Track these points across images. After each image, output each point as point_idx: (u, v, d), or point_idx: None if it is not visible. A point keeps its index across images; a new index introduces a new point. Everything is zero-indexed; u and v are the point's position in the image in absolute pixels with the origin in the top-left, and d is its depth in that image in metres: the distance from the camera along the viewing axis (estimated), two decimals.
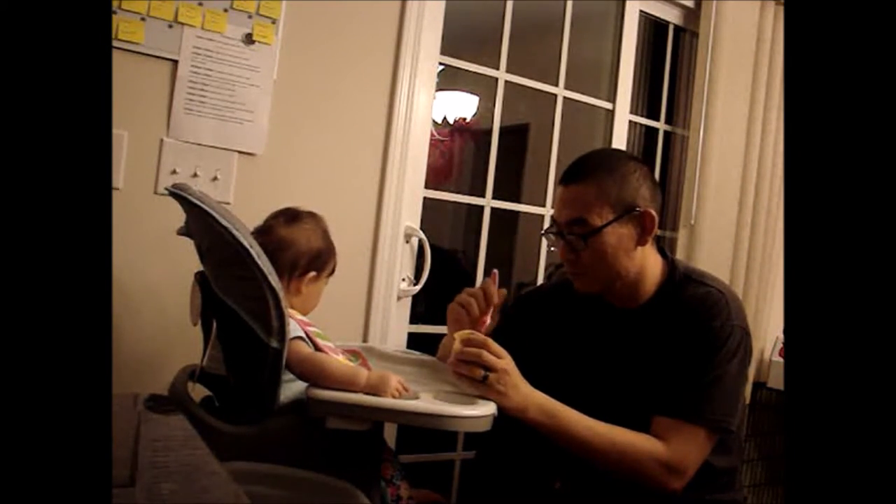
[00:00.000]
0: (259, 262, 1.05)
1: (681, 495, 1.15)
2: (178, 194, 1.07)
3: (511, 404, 1.13)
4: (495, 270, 1.28)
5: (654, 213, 1.21)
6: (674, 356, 1.17)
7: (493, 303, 1.25)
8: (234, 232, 1.05)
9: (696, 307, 1.19)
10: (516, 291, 2.67)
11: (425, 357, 1.44)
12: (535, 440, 1.18)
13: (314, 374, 1.10)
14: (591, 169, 1.22)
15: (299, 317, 1.21)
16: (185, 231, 1.18)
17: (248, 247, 1.05)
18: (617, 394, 1.21)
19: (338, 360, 1.15)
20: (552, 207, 2.14)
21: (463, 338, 1.16)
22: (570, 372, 1.28)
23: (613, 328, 1.27)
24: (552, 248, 1.29)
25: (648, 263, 1.25)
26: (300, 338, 1.14)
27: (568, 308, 1.35)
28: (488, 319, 1.25)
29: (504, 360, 1.13)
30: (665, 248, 1.31)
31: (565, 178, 1.25)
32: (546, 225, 2.17)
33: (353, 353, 1.28)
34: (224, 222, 1.05)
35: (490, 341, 1.15)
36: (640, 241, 1.22)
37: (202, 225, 1.08)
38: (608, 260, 1.20)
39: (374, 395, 1.07)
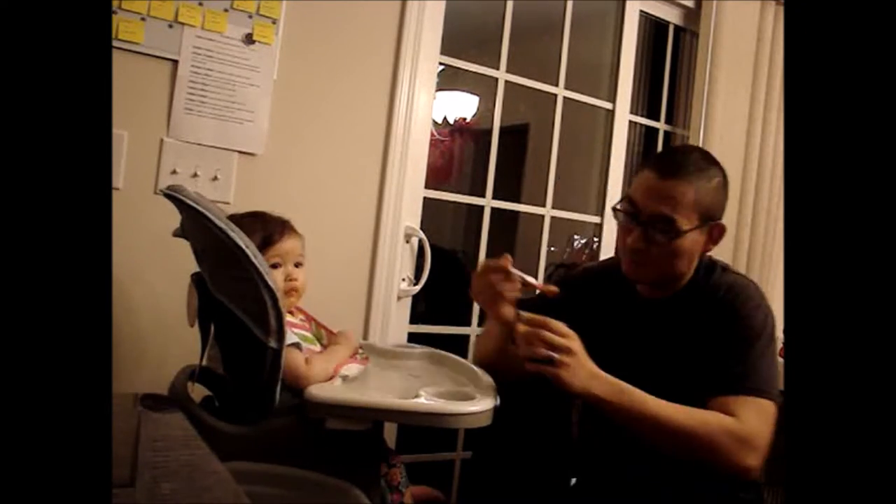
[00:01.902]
0: (256, 262, 1.05)
1: (707, 494, 1.14)
2: (173, 196, 1.06)
3: (577, 383, 1.10)
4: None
5: (724, 225, 1.23)
6: (718, 340, 1.17)
7: (504, 267, 1.23)
8: (231, 233, 1.04)
9: (731, 294, 1.21)
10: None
11: (424, 350, 1.45)
12: (552, 436, 1.17)
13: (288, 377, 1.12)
14: (690, 168, 1.20)
15: (288, 318, 1.20)
16: (180, 232, 1.18)
17: (244, 247, 1.05)
18: (658, 382, 1.20)
19: (291, 357, 1.14)
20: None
21: (525, 319, 1.14)
22: (608, 362, 1.27)
23: (647, 317, 1.28)
24: (618, 224, 1.26)
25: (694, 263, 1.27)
26: (295, 344, 1.14)
27: (597, 295, 1.35)
28: (534, 279, 1.23)
29: (569, 340, 1.12)
30: None
31: (663, 170, 1.20)
32: (547, 225, 2.17)
33: (315, 326, 1.30)
34: (220, 223, 1.05)
35: (550, 321, 1.13)
36: (705, 249, 1.25)
37: (198, 226, 1.08)
38: (676, 261, 1.21)
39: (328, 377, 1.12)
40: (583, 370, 1.11)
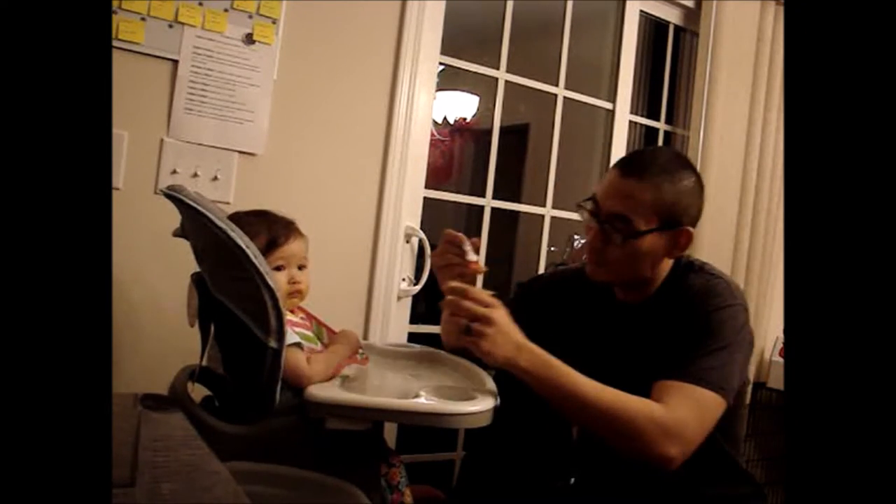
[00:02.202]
0: (256, 262, 1.05)
1: (708, 494, 1.13)
2: (173, 196, 1.06)
3: (499, 353, 1.08)
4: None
5: (692, 232, 1.20)
6: (677, 335, 1.15)
7: (460, 241, 1.21)
8: (231, 233, 1.04)
9: (700, 294, 1.17)
10: (516, 291, 2.67)
11: (424, 350, 1.44)
12: (552, 436, 1.17)
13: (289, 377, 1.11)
14: (655, 169, 1.18)
15: (289, 317, 1.20)
16: (180, 232, 1.18)
17: (244, 247, 1.05)
18: (629, 384, 1.20)
19: (293, 357, 1.13)
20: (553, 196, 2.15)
21: (449, 288, 1.12)
22: (572, 362, 1.27)
23: (619, 321, 1.27)
24: (581, 220, 1.24)
25: (664, 267, 1.24)
26: (296, 344, 1.14)
27: (574, 298, 1.34)
28: (474, 256, 1.20)
29: (490, 309, 1.08)
30: None
31: (625, 169, 1.19)
32: (547, 225, 2.17)
33: (316, 325, 1.30)
34: (220, 223, 1.04)
35: (472, 289, 1.10)
36: (669, 254, 1.21)
37: (198, 226, 1.08)
38: (634, 263, 1.19)
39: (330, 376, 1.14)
40: (506, 340, 1.08)
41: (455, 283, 1.12)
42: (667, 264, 1.24)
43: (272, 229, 1.22)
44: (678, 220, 1.18)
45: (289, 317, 1.19)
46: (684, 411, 1.06)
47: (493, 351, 1.07)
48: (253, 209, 1.28)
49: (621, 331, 1.26)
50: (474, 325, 1.07)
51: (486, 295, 1.10)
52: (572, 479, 1.37)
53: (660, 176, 1.17)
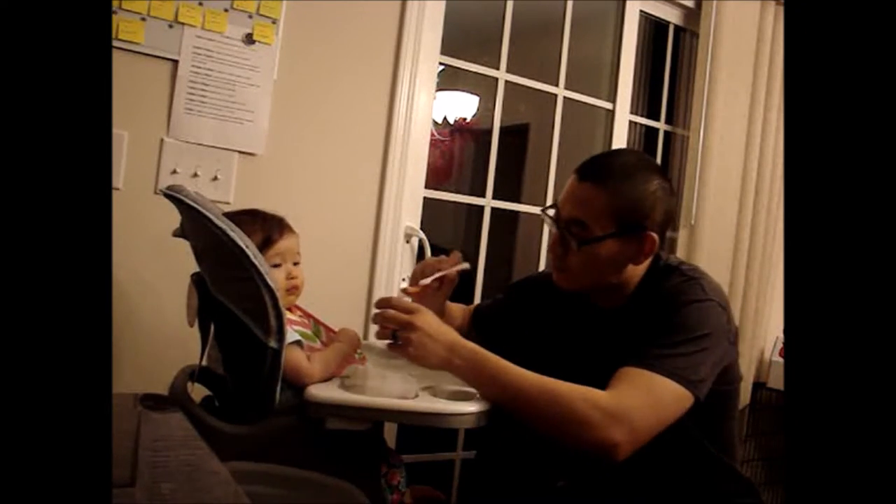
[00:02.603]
0: (256, 263, 1.05)
1: (702, 497, 1.11)
2: (173, 196, 1.06)
3: (430, 356, 1.08)
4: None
5: (655, 236, 1.16)
6: (646, 334, 1.11)
7: (439, 268, 1.26)
8: (231, 233, 1.04)
9: (671, 295, 1.14)
10: (504, 292, 2.67)
11: None
12: (540, 439, 1.16)
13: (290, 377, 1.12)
14: (610, 173, 1.16)
15: (287, 315, 1.20)
16: (180, 232, 1.18)
17: (244, 247, 1.05)
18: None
19: (294, 355, 1.14)
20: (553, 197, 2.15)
21: (376, 302, 1.15)
22: (548, 366, 1.27)
23: (594, 326, 1.25)
24: (546, 226, 1.26)
25: (636, 272, 1.21)
26: (296, 342, 1.14)
27: (554, 301, 1.33)
28: (427, 280, 1.26)
29: (412, 315, 1.08)
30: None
31: (582, 173, 1.18)
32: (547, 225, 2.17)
33: (314, 323, 1.31)
34: (220, 223, 1.04)
35: (394, 299, 1.12)
36: (634, 261, 1.17)
37: (197, 226, 1.08)
38: (594, 270, 1.17)
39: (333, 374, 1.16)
40: (435, 343, 1.08)
41: (382, 297, 1.14)
42: (637, 269, 1.21)
43: (266, 227, 1.23)
44: (640, 224, 1.14)
45: (287, 315, 1.19)
46: (633, 398, 1.02)
47: (424, 355, 1.08)
48: (242, 208, 1.28)
49: (595, 335, 1.24)
50: (400, 333, 1.08)
51: (408, 302, 1.12)
52: (571, 480, 1.37)
53: (617, 180, 1.14)
